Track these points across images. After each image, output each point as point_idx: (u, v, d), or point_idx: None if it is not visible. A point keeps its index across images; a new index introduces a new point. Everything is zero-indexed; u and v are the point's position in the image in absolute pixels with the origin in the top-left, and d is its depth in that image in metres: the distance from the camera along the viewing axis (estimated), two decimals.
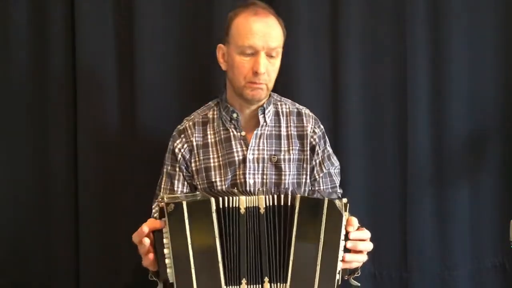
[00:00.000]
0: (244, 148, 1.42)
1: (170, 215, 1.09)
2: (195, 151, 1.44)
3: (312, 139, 1.46)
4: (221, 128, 1.45)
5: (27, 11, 1.77)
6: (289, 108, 1.49)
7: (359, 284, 1.20)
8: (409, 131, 1.83)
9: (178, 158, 1.44)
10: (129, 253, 1.77)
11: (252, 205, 1.13)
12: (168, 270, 1.11)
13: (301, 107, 1.51)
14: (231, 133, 1.43)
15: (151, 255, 1.13)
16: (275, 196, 1.13)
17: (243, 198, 1.13)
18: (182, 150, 1.44)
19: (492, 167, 1.89)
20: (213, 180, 1.41)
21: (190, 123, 1.47)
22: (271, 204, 1.13)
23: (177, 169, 1.45)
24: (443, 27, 1.83)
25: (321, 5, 1.80)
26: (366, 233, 1.20)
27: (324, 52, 1.81)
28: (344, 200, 1.13)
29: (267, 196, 1.13)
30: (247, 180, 1.40)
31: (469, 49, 1.85)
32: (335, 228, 1.11)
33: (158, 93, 1.78)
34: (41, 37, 1.77)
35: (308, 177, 1.45)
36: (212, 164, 1.42)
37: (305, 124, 1.46)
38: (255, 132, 1.43)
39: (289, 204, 1.13)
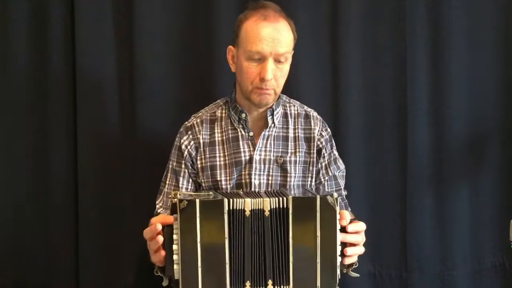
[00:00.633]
0: (251, 149, 1.42)
1: (182, 211, 1.09)
2: (202, 149, 1.44)
3: (319, 142, 1.46)
4: (229, 127, 1.44)
5: (27, 11, 1.77)
6: (297, 110, 1.48)
7: (358, 275, 1.22)
8: (409, 131, 1.83)
9: (184, 155, 1.44)
10: (129, 253, 1.78)
11: (257, 208, 1.14)
12: (175, 266, 1.11)
13: (309, 109, 1.50)
14: (239, 133, 1.43)
15: (162, 252, 1.13)
16: (276, 199, 1.13)
17: (248, 200, 1.13)
18: (188, 147, 1.44)
19: (492, 167, 1.89)
20: (218, 179, 1.41)
21: (198, 120, 1.47)
22: (275, 206, 1.14)
23: (183, 165, 1.45)
24: (443, 27, 1.82)
25: (321, 5, 1.80)
26: (361, 225, 1.22)
27: (324, 52, 1.81)
28: (335, 194, 1.13)
29: (272, 199, 1.14)
30: (253, 180, 1.40)
31: (469, 49, 1.84)
32: (330, 224, 1.12)
33: (158, 93, 1.78)
34: (41, 37, 1.77)
35: (313, 179, 1.45)
36: (218, 163, 1.42)
37: (312, 127, 1.46)
38: (263, 133, 1.43)
39: (285, 206, 1.14)
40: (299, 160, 1.43)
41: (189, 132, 1.45)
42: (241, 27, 1.35)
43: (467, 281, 1.88)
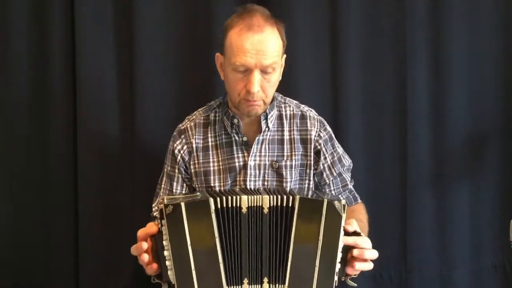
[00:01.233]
0: (245, 154, 1.39)
1: (168, 216, 1.09)
2: (195, 153, 1.41)
3: (317, 143, 1.42)
4: (223, 131, 1.41)
5: (27, 12, 1.77)
6: (293, 110, 1.43)
7: (355, 285, 1.20)
8: (409, 131, 1.83)
9: (178, 160, 1.43)
10: (129, 253, 1.78)
11: (255, 205, 1.12)
12: (169, 272, 1.10)
13: (306, 109, 1.45)
14: (233, 138, 1.40)
15: (154, 265, 1.12)
16: (279, 196, 1.12)
17: (244, 197, 1.12)
18: (181, 152, 1.42)
19: (492, 167, 1.89)
20: (212, 184, 1.39)
21: (192, 123, 1.44)
22: (275, 204, 1.12)
23: (176, 170, 1.43)
24: (443, 27, 1.83)
25: (321, 5, 1.80)
26: (368, 242, 1.17)
27: (324, 52, 1.81)
28: (343, 201, 1.12)
29: (271, 196, 1.12)
30: (248, 186, 1.38)
31: (469, 49, 1.85)
32: (334, 229, 1.11)
33: (157, 93, 1.78)
34: (41, 37, 1.77)
35: (311, 182, 1.42)
36: (211, 168, 1.40)
37: (309, 128, 1.41)
38: (257, 138, 1.39)
39: (290, 205, 1.12)
40: (295, 164, 1.40)
41: (182, 136, 1.43)
42: (227, 36, 1.30)
43: (467, 281, 1.88)
